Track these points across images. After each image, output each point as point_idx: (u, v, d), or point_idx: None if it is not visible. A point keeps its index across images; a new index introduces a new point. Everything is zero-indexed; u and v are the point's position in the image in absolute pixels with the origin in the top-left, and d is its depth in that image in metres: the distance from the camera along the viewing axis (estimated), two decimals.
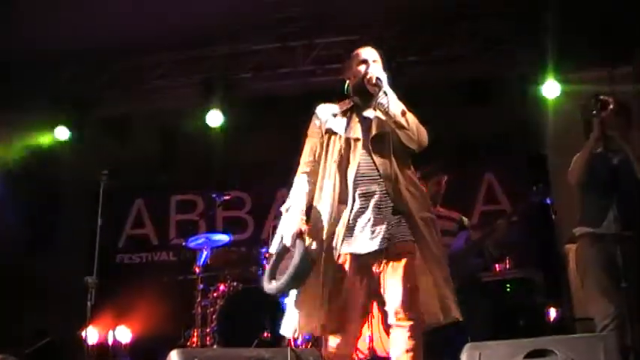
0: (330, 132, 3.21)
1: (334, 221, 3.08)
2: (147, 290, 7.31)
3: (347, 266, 3.03)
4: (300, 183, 3.23)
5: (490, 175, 7.65)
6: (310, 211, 3.18)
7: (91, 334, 6.10)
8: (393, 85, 3.12)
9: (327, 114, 3.25)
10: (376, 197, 3.06)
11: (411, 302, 2.96)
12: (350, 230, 3.05)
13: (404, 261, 3.00)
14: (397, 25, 6.32)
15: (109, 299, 6.19)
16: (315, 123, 3.28)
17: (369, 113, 3.21)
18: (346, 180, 3.10)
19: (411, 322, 2.95)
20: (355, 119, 3.21)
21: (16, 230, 7.25)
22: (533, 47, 6.39)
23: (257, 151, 7.69)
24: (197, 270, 6.17)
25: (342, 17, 6.39)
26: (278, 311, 5.36)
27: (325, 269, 3.04)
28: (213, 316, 5.82)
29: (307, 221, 3.15)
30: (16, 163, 6.99)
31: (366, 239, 3.02)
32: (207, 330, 5.85)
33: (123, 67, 7.06)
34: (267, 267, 3.24)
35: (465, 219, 5.22)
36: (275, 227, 6.10)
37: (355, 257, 3.04)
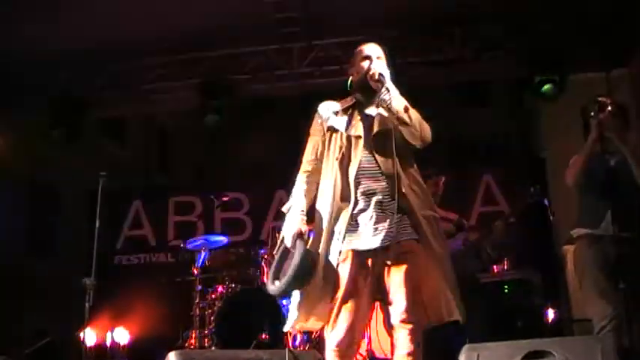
0: (332, 130, 3.18)
1: (336, 219, 3.05)
2: (145, 291, 7.33)
3: (349, 264, 2.99)
4: (301, 182, 3.20)
5: (488, 176, 7.68)
6: (312, 210, 3.16)
7: (89, 336, 6.09)
8: (394, 85, 3.10)
9: (328, 111, 3.21)
10: (378, 195, 3.03)
11: (413, 304, 2.94)
12: (352, 228, 3.02)
13: (407, 261, 2.97)
14: (396, 27, 6.32)
15: (107, 300, 6.16)
16: (317, 121, 3.25)
17: (371, 111, 3.18)
18: (347, 178, 3.07)
19: (412, 325, 2.93)
20: (357, 117, 3.18)
21: (15, 231, 7.25)
22: (531, 49, 6.40)
23: (255, 152, 7.71)
24: (195, 271, 6.18)
25: (340, 19, 6.39)
26: (276, 313, 5.39)
27: (328, 268, 3.01)
28: (212, 318, 5.83)
29: (309, 220, 3.13)
30: (15, 163, 6.97)
31: (368, 236, 2.99)
32: (206, 331, 5.85)
33: (121, 69, 7.06)
34: (270, 268, 3.20)
35: (463, 220, 5.23)
36: (274, 228, 6.17)
37: (357, 254, 3.00)
